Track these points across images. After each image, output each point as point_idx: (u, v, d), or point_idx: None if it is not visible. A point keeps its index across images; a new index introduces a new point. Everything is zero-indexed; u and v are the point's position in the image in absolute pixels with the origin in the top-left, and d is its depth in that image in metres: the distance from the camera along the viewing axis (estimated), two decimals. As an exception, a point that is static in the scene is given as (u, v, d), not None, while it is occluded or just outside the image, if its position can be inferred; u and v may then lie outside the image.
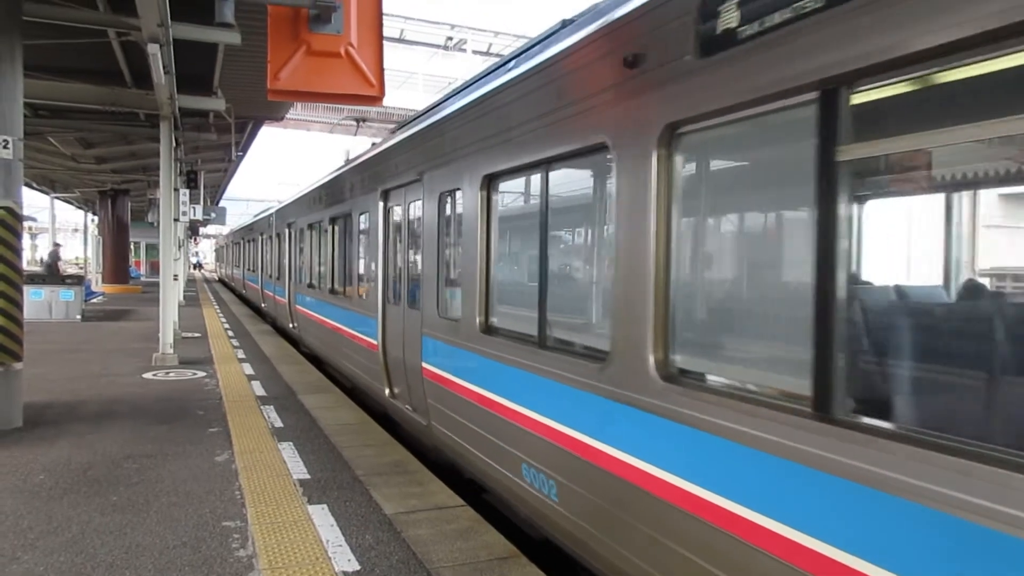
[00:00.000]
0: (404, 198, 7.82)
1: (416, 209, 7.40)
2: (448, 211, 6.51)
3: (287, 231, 17.05)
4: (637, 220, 3.65)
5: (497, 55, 29.31)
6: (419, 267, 7.22)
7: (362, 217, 9.67)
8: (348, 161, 11.65)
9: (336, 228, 11.71)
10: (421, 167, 6.98)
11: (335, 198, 11.62)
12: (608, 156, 3.94)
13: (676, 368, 3.52)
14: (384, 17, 6.74)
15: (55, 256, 24.49)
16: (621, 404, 3.76)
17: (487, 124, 5.47)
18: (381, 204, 8.57)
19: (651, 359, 3.54)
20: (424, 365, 6.78)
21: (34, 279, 19.63)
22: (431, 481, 6.09)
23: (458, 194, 6.09)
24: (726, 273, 3.78)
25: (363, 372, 9.46)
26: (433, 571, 4.35)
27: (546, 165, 4.71)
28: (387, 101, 7.19)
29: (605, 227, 4.25)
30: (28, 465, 6.32)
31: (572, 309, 4.97)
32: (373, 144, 11.04)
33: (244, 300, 31.06)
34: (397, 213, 8.24)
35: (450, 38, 32.05)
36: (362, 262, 9.87)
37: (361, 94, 6.53)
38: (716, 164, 3.77)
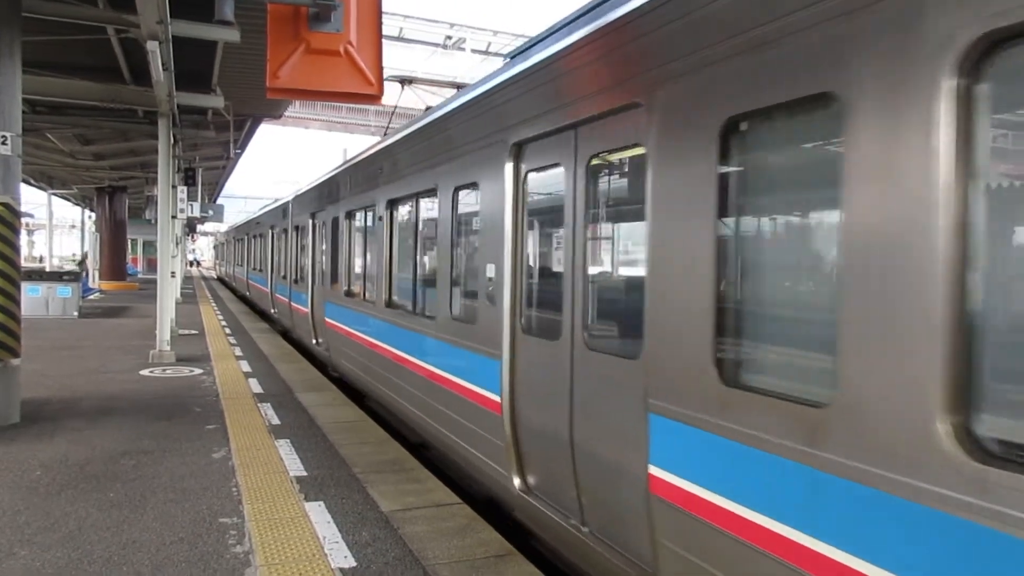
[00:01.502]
0: (574, 150, 4.39)
1: (611, 167, 4.38)
2: (747, 160, 3.22)
3: (310, 223, 13.74)
4: None
5: (496, 54, 29.31)
6: (635, 278, 3.90)
7: (461, 194, 6.23)
8: (424, 113, 7.52)
9: (400, 215, 8.30)
10: (650, 83, 3.61)
11: (400, 172, 7.96)
12: None
13: None
14: (383, 15, 6.76)
15: (87, 255, 27.21)
16: None
17: None
18: (510, 167, 5.12)
19: None
20: (656, 472, 3.51)
21: (31, 275, 19.62)
22: (428, 479, 6.10)
23: (782, 118, 2.97)
24: None
25: (458, 436, 6.04)
26: (429, 568, 4.36)
27: None
28: (385, 99, 7.18)
29: None
30: (26, 461, 6.33)
31: None
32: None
33: (247, 302, 27.68)
34: (546, 180, 4.98)
35: (449, 37, 32.03)
36: (458, 265, 6.33)
37: (360, 92, 6.54)
38: None
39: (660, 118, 3.55)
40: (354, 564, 4.38)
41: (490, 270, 5.41)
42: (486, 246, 5.53)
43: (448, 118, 6.52)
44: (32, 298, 18.26)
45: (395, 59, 30.85)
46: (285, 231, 17.25)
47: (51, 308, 19.09)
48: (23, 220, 8.14)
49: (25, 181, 26.79)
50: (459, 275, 6.33)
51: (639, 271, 3.78)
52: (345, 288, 10.55)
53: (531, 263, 5.20)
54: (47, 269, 33.12)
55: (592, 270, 4.36)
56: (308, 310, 13.47)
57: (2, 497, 5.42)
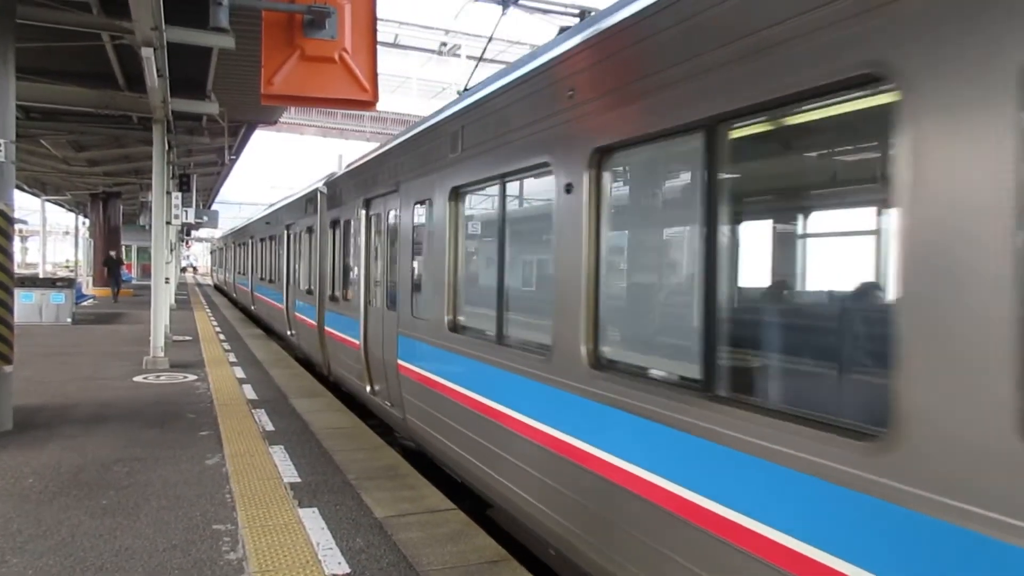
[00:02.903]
0: None
1: None
2: None
3: (363, 215, 9.48)
4: None
5: (492, 60, 29.36)
6: None
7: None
8: None
9: (643, 184, 4.41)
10: None
11: (639, 93, 3.58)
12: None
13: None
14: (378, 22, 6.79)
15: (116, 260, 30.02)
16: None
17: None
18: None
19: None
20: None
21: (24, 282, 19.55)
22: (423, 485, 6.10)
23: None
24: None
25: None
26: (423, 574, 4.36)
27: None
28: (380, 106, 7.19)
29: None
30: (18, 468, 6.30)
31: None
32: None
33: (249, 316, 23.63)
34: None
35: (444, 43, 32.11)
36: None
37: (355, 99, 6.56)
38: None
39: None
40: (348, 571, 4.37)
41: None
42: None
43: None
44: (26, 304, 18.18)
45: (390, 65, 30.93)
46: (310, 230, 13.14)
47: (45, 315, 19.03)
48: (16, 226, 8.13)
49: (19, 187, 26.74)
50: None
51: None
52: (448, 318, 6.29)
53: None
54: (40, 276, 33.06)
55: None
56: (359, 343, 9.33)
57: (-6, 504, 5.41)
